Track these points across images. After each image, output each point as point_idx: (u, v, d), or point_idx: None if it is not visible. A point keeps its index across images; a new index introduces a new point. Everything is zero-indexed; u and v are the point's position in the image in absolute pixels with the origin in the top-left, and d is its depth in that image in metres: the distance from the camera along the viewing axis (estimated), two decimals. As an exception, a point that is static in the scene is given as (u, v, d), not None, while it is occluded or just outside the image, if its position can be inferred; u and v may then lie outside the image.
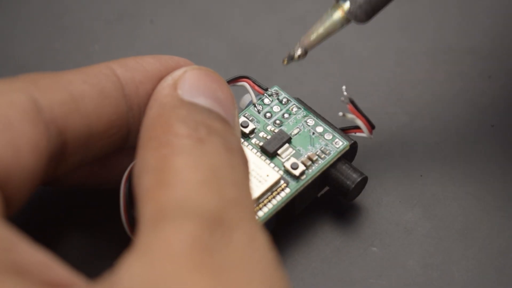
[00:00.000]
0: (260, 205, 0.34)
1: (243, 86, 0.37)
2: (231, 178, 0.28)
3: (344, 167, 0.36)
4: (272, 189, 0.34)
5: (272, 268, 0.27)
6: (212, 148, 0.29)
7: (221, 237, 0.26)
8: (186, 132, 0.29)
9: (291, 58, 0.36)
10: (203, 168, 0.28)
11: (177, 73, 0.31)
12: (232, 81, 0.37)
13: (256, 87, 0.37)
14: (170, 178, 0.27)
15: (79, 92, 0.30)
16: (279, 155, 0.35)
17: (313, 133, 0.36)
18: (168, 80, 0.31)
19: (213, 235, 0.26)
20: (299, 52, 0.36)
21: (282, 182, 0.35)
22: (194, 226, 0.26)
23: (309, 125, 0.36)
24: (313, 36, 0.36)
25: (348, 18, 0.35)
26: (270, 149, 0.35)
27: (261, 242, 0.27)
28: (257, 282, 0.26)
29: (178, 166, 0.28)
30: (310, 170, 0.35)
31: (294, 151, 0.36)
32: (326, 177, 0.36)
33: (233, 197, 0.27)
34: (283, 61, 0.36)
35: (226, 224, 0.26)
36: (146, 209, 0.27)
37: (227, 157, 0.29)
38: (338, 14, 0.35)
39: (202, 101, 0.30)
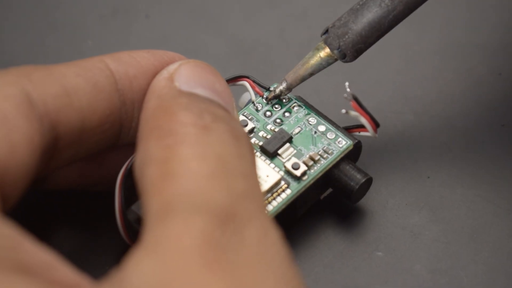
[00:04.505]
0: (260, 207, 0.34)
1: (242, 86, 0.37)
2: (240, 169, 0.28)
3: (347, 167, 0.36)
4: (272, 190, 0.35)
5: (286, 265, 0.27)
6: (218, 136, 0.29)
7: (233, 233, 0.26)
8: (190, 120, 0.29)
9: (274, 95, 0.37)
10: (211, 158, 0.28)
11: (172, 67, 0.32)
12: (232, 80, 0.37)
13: (257, 88, 0.37)
14: (176, 169, 0.28)
15: (72, 85, 0.30)
16: (279, 155, 0.36)
17: (315, 132, 0.36)
18: (164, 74, 0.32)
19: (225, 232, 0.26)
20: (281, 87, 0.37)
21: (282, 183, 0.35)
22: (204, 222, 0.26)
23: (310, 124, 0.37)
24: (298, 73, 0.37)
25: (334, 57, 0.36)
26: (270, 148, 0.36)
27: (274, 238, 0.27)
28: (272, 280, 0.26)
29: (183, 156, 0.28)
30: (312, 171, 0.35)
31: (295, 151, 0.36)
32: (329, 178, 0.36)
33: (243, 190, 0.28)
34: (267, 97, 0.37)
35: (237, 220, 0.27)
36: (152, 203, 0.27)
37: (235, 145, 0.29)
38: (323, 53, 0.36)
39: (201, 91, 0.31)
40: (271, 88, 0.37)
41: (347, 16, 0.36)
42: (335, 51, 0.36)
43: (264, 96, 0.37)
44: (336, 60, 0.36)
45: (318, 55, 0.36)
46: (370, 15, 0.35)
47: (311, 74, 0.37)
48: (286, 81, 0.37)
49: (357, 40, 0.35)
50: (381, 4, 0.35)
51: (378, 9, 0.35)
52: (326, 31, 0.36)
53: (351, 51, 0.36)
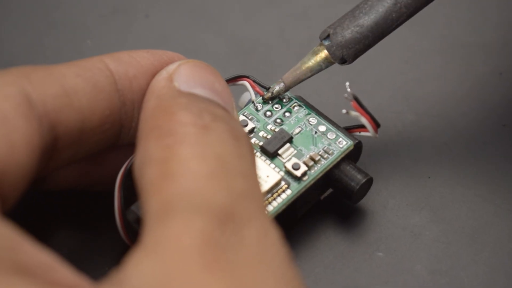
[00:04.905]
0: (260, 208, 0.34)
1: (242, 85, 0.38)
2: (240, 168, 0.28)
3: (348, 168, 0.36)
4: (272, 191, 0.35)
5: (285, 265, 0.27)
6: (218, 136, 0.29)
7: (232, 234, 0.26)
8: (190, 120, 0.29)
9: (271, 95, 0.37)
10: (210, 158, 0.28)
11: (171, 67, 0.32)
12: (232, 80, 0.37)
13: (257, 88, 0.37)
14: (175, 169, 0.28)
15: (72, 85, 0.30)
16: (279, 155, 0.36)
17: (316, 132, 0.36)
18: (163, 74, 0.32)
19: (224, 232, 0.26)
20: (277, 88, 0.37)
21: (283, 183, 0.35)
22: (204, 222, 0.26)
23: (311, 124, 0.37)
24: (296, 76, 0.37)
25: (333, 62, 0.36)
26: (271, 149, 0.36)
27: (274, 238, 0.27)
28: (271, 280, 0.26)
29: (183, 156, 0.28)
30: (312, 171, 0.35)
31: (295, 151, 0.36)
32: (329, 178, 0.36)
33: (242, 190, 0.28)
34: (263, 97, 0.37)
35: (237, 220, 0.27)
36: (152, 203, 0.27)
37: (234, 145, 0.29)
38: (321, 57, 0.36)
39: (200, 91, 0.31)
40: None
41: (349, 23, 0.35)
42: (337, 60, 0.36)
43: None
44: (334, 63, 0.36)
45: (317, 58, 0.36)
46: (374, 25, 0.35)
47: (309, 77, 0.37)
48: (284, 83, 0.37)
49: (361, 49, 0.35)
50: (386, 16, 0.35)
51: (382, 21, 0.35)
52: (327, 37, 0.36)
53: (353, 58, 0.36)
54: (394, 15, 0.35)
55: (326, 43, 0.36)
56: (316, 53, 0.36)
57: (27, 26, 0.44)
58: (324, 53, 0.36)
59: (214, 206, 0.27)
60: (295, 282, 0.27)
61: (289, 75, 0.37)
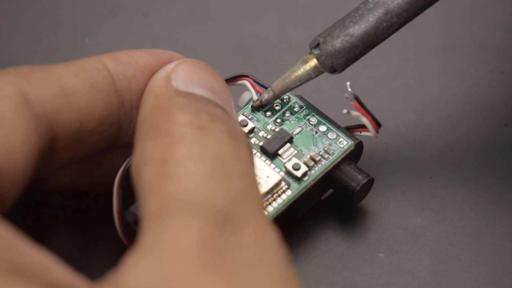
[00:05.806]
0: (260, 208, 0.34)
1: (242, 85, 0.37)
2: (238, 169, 0.28)
3: (349, 168, 0.36)
4: (272, 191, 0.35)
5: (284, 266, 0.27)
6: (215, 136, 0.29)
7: (231, 235, 0.26)
8: (187, 120, 0.29)
9: (260, 104, 0.37)
10: (208, 158, 0.28)
11: (169, 67, 0.32)
12: (232, 79, 0.37)
13: (257, 87, 0.37)
14: (173, 170, 0.28)
15: (70, 86, 0.30)
16: (280, 155, 0.36)
17: (316, 132, 0.36)
18: (161, 74, 0.32)
19: (222, 233, 0.26)
20: (266, 96, 0.36)
21: (283, 184, 0.35)
22: (202, 223, 0.26)
23: (311, 124, 0.37)
24: (285, 85, 0.36)
25: (321, 69, 0.36)
26: (271, 149, 0.36)
27: (272, 239, 0.27)
28: (270, 281, 0.26)
29: (181, 156, 0.28)
30: (312, 171, 0.35)
31: (295, 151, 0.36)
32: (329, 178, 0.36)
33: (240, 191, 0.28)
34: (252, 106, 0.37)
35: (235, 221, 0.27)
36: (149, 204, 0.27)
37: (232, 145, 0.29)
38: (311, 65, 0.36)
39: (198, 91, 0.31)
40: (255, 98, 0.37)
41: (339, 32, 0.35)
42: (327, 69, 0.36)
43: (251, 104, 0.37)
44: (323, 72, 0.36)
45: (306, 67, 0.36)
46: (365, 35, 0.35)
47: (298, 85, 0.37)
48: (273, 91, 0.37)
49: (350, 58, 0.35)
50: (377, 25, 0.35)
51: (373, 31, 0.35)
52: (317, 45, 0.36)
53: (342, 68, 0.36)
54: (385, 25, 0.35)
55: (316, 52, 0.36)
56: (305, 61, 0.36)
57: (25, 25, 0.44)
58: (313, 62, 0.36)
59: (212, 206, 0.27)
60: (294, 282, 0.27)
61: (278, 84, 0.37)
